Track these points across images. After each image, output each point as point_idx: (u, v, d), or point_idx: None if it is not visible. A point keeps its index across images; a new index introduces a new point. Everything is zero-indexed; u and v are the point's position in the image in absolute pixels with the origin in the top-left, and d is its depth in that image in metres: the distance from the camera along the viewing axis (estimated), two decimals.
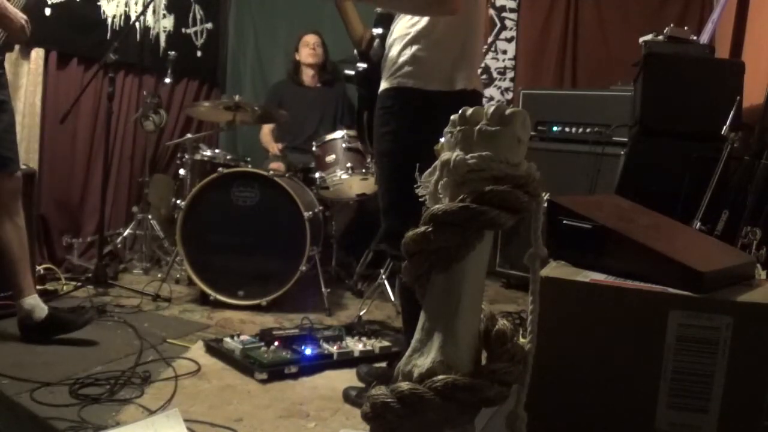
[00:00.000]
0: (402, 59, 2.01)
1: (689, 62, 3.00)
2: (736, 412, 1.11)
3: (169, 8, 4.65)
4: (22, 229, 2.68)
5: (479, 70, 2.20)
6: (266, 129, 4.47)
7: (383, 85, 2.07)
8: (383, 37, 2.20)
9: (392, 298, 3.47)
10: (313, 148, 3.88)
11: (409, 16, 2.04)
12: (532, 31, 4.83)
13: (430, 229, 0.98)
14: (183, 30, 4.80)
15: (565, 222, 1.32)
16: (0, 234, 2.60)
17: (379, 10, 2.29)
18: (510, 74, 4.90)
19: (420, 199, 1.09)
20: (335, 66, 4.48)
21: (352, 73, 2.40)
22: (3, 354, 2.49)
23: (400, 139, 2.01)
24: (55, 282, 3.48)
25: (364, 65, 2.34)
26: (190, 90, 4.90)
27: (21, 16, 2.49)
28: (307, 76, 4.47)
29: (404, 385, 0.97)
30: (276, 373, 2.46)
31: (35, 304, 2.62)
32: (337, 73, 4.48)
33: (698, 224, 2.38)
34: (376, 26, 2.31)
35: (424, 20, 2.00)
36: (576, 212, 1.32)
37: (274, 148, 4.33)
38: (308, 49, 4.44)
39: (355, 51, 2.41)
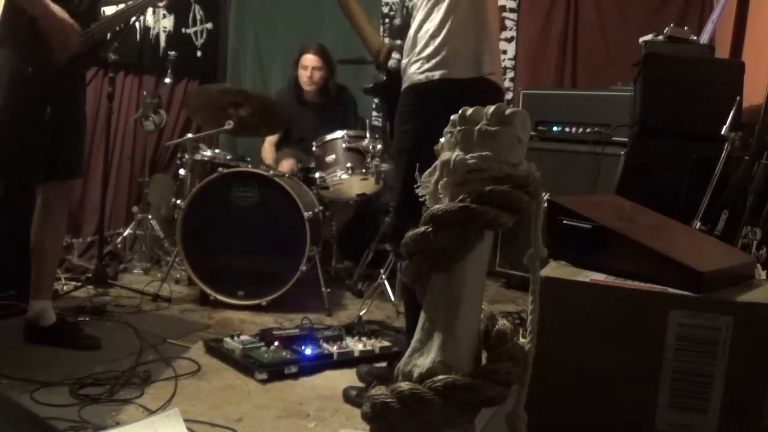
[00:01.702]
0: (425, 54, 2.06)
1: (689, 62, 3.00)
2: (736, 412, 1.11)
3: (169, 8, 4.65)
4: (59, 234, 2.72)
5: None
6: (268, 144, 4.35)
7: (405, 84, 2.11)
8: (401, 48, 2.24)
9: (392, 298, 3.47)
10: (313, 148, 3.88)
11: (422, 18, 2.09)
12: (532, 31, 4.84)
13: (430, 229, 0.98)
14: (183, 30, 4.80)
15: (565, 222, 1.32)
16: (38, 233, 2.63)
17: (397, 21, 2.32)
18: (510, 74, 4.90)
19: (420, 199, 1.09)
20: (339, 85, 4.38)
21: (371, 86, 2.42)
22: (3, 354, 2.49)
23: (421, 137, 2.03)
24: (55, 282, 3.47)
25: (383, 77, 2.37)
26: (190, 90, 4.89)
27: (67, 19, 2.35)
28: (308, 94, 4.35)
29: (404, 385, 0.97)
30: (276, 373, 2.46)
31: (45, 310, 2.63)
32: (341, 91, 4.37)
33: (698, 224, 2.38)
34: (394, 37, 2.35)
35: (439, 16, 2.06)
36: (576, 212, 1.32)
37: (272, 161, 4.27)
38: (306, 74, 4.23)
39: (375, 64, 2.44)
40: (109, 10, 2.96)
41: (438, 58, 2.05)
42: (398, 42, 2.29)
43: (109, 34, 2.63)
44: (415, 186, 2.01)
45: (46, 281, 2.67)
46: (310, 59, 4.24)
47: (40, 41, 2.35)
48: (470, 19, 2.06)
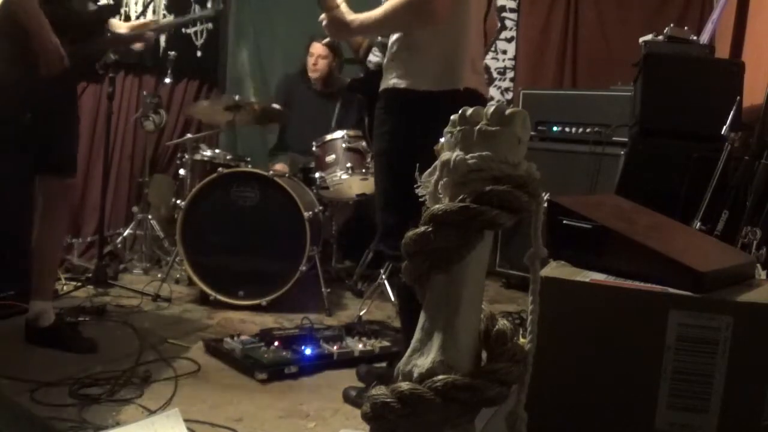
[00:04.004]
0: (397, 61, 2.03)
1: (689, 62, 3.00)
2: (736, 412, 1.12)
3: (169, 8, 4.65)
4: (59, 235, 2.73)
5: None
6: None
7: (381, 86, 2.09)
8: (381, 45, 2.22)
9: (392, 298, 3.47)
10: (313, 148, 3.88)
11: None
12: (532, 31, 4.84)
13: (430, 229, 0.98)
14: (183, 30, 4.80)
15: (565, 222, 1.32)
16: (38, 233, 2.64)
17: (380, 39, 2.29)
18: (510, 74, 4.90)
19: (420, 199, 1.09)
20: (342, 78, 4.42)
21: (348, 81, 2.43)
22: (3, 354, 2.49)
23: (396, 138, 2.02)
24: (55, 282, 3.47)
25: (361, 74, 2.36)
26: (190, 90, 4.90)
27: (57, 46, 2.40)
28: (314, 83, 4.42)
29: (404, 385, 0.97)
30: (276, 373, 2.46)
31: (44, 310, 2.63)
32: (345, 88, 4.42)
33: (698, 224, 2.38)
34: None
35: None
36: (576, 212, 1.32)
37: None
38: (311, 60, 4.35)
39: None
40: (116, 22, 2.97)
41: (406, 68, 2.01)
42: (378, 39, 2.28)
43: (107, 53, 2.67)
44: (393, 187, 2.00)
45: (46, 282, 2.68)
46: (315, 47, 4.33)
47: (29, 53, 2.38)
48: (446, 31, 1.99)
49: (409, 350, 1.02)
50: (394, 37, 2.08)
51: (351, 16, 2.06)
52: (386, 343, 2.78)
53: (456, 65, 2.02)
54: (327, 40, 4.24)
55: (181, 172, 3.92)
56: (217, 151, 4.01)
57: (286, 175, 3.72)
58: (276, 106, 4.27)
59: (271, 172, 3.52)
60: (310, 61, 4.35)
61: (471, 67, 2.07)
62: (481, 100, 2.08)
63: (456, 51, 2.02)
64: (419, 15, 1.95)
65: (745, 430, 1.12)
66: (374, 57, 2.30)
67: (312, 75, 4.37)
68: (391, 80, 2.04)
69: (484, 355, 1.04)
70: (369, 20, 2.04)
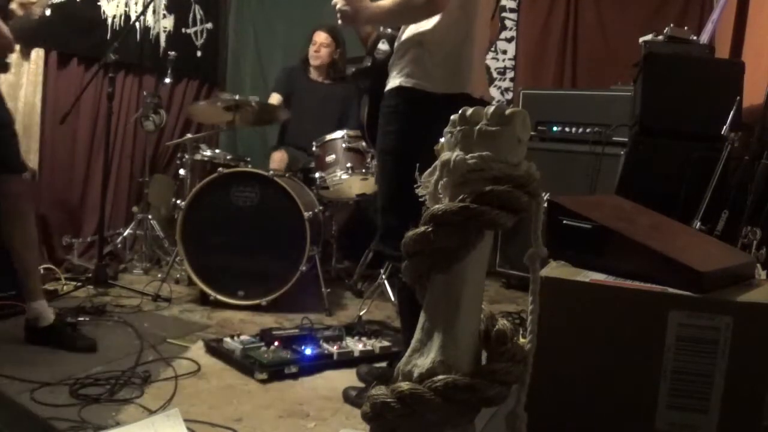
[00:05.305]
0: (405, 60, 2.03)
1: (689, 62, 3.01)
2: (736, 412, 1.12)
3: (169, 8, 4.65)
4: (29, 233, 2.68)
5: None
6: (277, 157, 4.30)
7: (389, 84, 2.09)
8: (390, 38, 2.22)
9: (392, 298, 3.47)
10: (314, 148, 3.88)
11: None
12: (532, 31, 4.84)
13: (430, 229, 0.98)
14: (183, 30, 4.80)
15: (565, 222, 1.32)
16: (8, 238, 2.62)
17: (389, 30, 2.29)
18: (510, 74, 4.90)
19: (420, 199, 1.09)
20: (345, 66, 4.41)
21: (353, 70, 2.43)
22: (3, 354, 2.49)
23: (403, 138, 2.02)
24: (55, 282, 3.47)
25: (368, 64, 2.36)
26: (190, 90, 4.90)
27: (9, 33, 2.43)
28: (314, 72, 4.44)
29: (404, 385, 0.97)
30: (276, 373, 2.46)
31: (42, 311, 2.62)
32: (347, 83, 4.41)
33: (698, 224, 2.38)
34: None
35: (428, 23, 2.02)
36: (576, 212, 1.32)
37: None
38: (313, 48, 4.35)
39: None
40: None
41: (415, 68, 2.01)
42: (388, 31, 2.28)
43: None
44: (396, 186, 2.00)
45: (30, 282, 2.65)
46: (319, 35, 4.34)
47: None
48: (455, 31, 2.01)
49: (409, 350, 1.02)
50: (404, 35, 2.08)
51: (365, 2, 2.07)
52: (386, 343, 2.78)
53: (463, 67, 2.03)
54: (333, 26, 4.25)
55: (181, 172, 3.92)
56: (217, 151, 4.01)
57: (286, 174, 3.72)
58: (274, 95, 4.28)
59: (271, 172, 3.51)
60: (312, 48, 4.34)
61: (476, 68, 2.08)
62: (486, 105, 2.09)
63: (463, 52, 2.03)
64: (422, 8, 1.96)
65: (745, 430, 1.12)
66: (383, 46, 2.29)
67: (314, 63, 4.35)
68: (399, 79, 2.04)
69: (484, 355, 1.04)
70: (380, 9, 2.05)
